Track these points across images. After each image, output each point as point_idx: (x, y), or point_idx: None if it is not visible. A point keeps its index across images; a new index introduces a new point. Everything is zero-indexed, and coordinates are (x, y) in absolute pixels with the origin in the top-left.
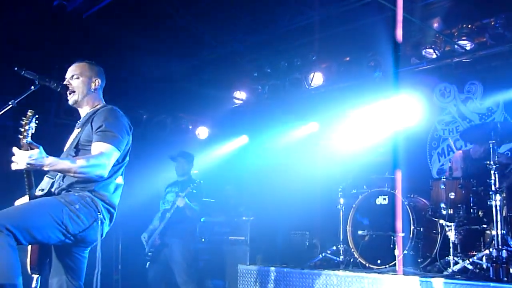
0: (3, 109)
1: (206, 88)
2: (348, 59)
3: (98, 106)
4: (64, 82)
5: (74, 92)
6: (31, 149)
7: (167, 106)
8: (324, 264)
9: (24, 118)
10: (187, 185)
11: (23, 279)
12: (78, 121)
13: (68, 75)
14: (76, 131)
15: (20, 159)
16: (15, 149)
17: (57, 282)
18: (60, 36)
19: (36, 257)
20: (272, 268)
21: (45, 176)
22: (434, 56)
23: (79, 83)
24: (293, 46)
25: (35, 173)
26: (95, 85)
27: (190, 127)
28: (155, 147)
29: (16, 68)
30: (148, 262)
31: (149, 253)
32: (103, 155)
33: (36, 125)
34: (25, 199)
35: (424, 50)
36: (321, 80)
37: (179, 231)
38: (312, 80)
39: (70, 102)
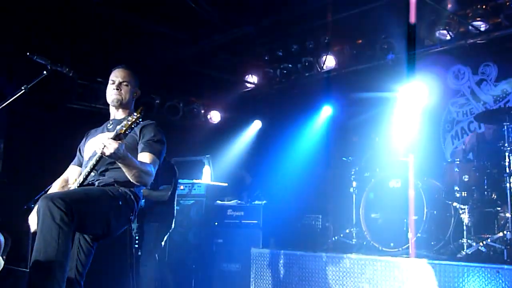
0: (16, 95)
1: (218, 72)
2: (360, 41)
3: (136, 115)
4: (113, 86)
5: (121, 96)
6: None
7: (179, 91)
8: (337, 247)
9: (135, 114)
10: None
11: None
12: (110, 121)
13: (117, 79)
14: (107, 133)
15: (111, 146)
16: (108, 135)
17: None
18: (72, 22)
19: None
20: (285, 251)
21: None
22: (448, 37)
23: (128, 91)
24: (305, 29)
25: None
26: (136, 95)
27: (203, 111)
28: (168, 132)
29: (28, 54)
30: None
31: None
32: (153, 166)
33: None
34: (57, 183)
35: (438, 31)
36: (333, 63)
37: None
38: (324, 63)
39: (113, 101)
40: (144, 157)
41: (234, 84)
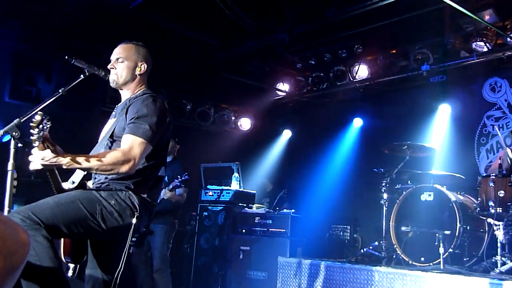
0: (53, 97)
1: (250, 79)
2: (395, 51)
3: (138, 93)
4: (109, 66)
5: (116, 74)
6: (47, 148)
7: (210, 97)
8: (365, 260)
9: (32, 123)
10: (173, 171)
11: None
12: (117, 106)
13: (113, 57)
14: (111, 121)
15: (34, 159)
16: (33, 150)
17: (90, 274)
18: (108, 26)
19: (69, 248)
20: (313, 261)
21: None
22: (485, 49)
23: (124, 68)
24: (338, 37)
25: None
26: (140, 70)
27: (233, 118)
28: (198, 138)
29: (66, 57)
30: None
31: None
32: (132, 150)
33: (50, 125)
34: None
35: (475, 43)
36: (366, 72)
37: (163, 218)
38: (357, 73)
39: (111, 83)
40: (123, 141)
41: (265, 91)
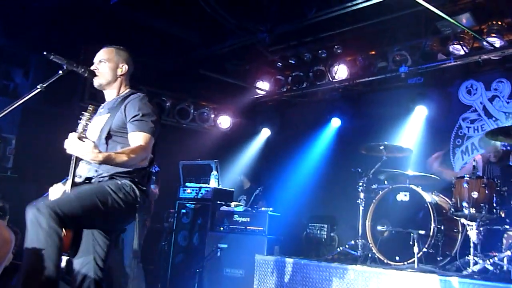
0: (32, 92)
1: (230, 78)
2: (373, 53)
3: (125, 92)
4: (92, 67)
5: (99, 76)
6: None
7: (190, 94)
8: (341, 258)
9: (85, 112)
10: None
11: None
12: (103, 105)
13: (96, 59)
14: (103, 116)
15: (75, 147)
16: (72, 135)
17: (84, 262)
18: (88, 22)
19: (69, 242)
20: (290, 260)
21: (80, 162)
22: (462, 52)
23: (106, 68)
24: (319, 38)
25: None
26: (121, 71)
27: (213, 116)
28: (177, 135)
29: (45, 53)
30: None
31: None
32: (143, 145)
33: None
34: (60, 186)
35: (452, 46)
36: (345, 73)
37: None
38: (336, 73)
39: (95, 85)
40: (133, 138)
41: (245, 90)
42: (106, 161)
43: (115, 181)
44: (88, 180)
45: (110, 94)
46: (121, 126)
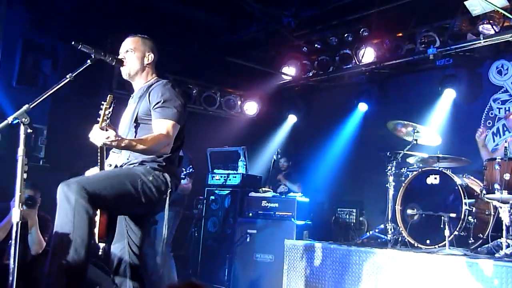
0: (62, 82)
1: (256, 64)
2: (400, 35)
3: (152, 80)
4: (119, 57)
5: (127, 66)
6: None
7: (216, 81)
8: (371, 242)
9: (104, 102)
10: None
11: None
12: (133, 94)
13: (122, 49)
14: (132, 105)
15: (98, 137)
16: (95, 127)
17: (119, 248)
18: (114, 11)
19: (104, 228)
20: (319, 244)
21: (110, 152)
22: (492, 32)
23: (133, 58)
24: (344, 21)
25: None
26: (148, 60)
27: (239, 102)
28: (204, 122)
29: (73, 43)
30: None
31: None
32: (166, 132)
33: (113, 107)
34: (96, 169)
35: (481, 25)
36: (372, 56)
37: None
38: (363, 56)
39: (124, 75)
40: (157, 125)
41: (271, 76)
42: (128, 147)
43: (145, 166)
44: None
45: (138, 83)
46: (147, 113)
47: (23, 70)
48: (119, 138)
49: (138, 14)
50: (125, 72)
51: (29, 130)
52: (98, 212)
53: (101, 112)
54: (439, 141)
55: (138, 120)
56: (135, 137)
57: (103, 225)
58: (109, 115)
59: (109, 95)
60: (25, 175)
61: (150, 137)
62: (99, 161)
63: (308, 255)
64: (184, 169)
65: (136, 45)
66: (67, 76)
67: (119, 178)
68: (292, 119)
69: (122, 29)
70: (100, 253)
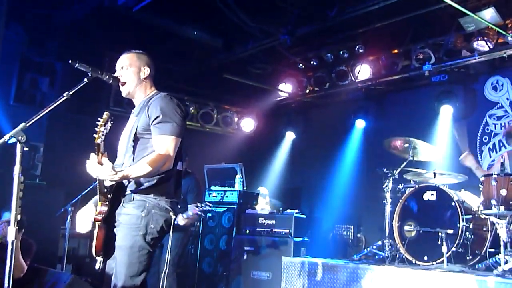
0: (58, 101)
1: (252, 81)
2: (396, 51)
3: (151, 93)
4: (115, 74)
5: (125, 83)
6: (102, 153)
7: (213, 98)
8: (369, 259)
9: (100, 119)
10: (188, 186)
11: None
12: (133, 110)
13: (118, 66)
14: (132, 119)
15: (95, 171)
16: (92, 157)
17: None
18: (111, 29)
19: (101, 243)
20: (316, 261)
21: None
22: (486, 48)
23: (129, 74)
24: (340, 38)
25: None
26: (144, 74)
27: (236, 119)
28: (201, 139)
29: (70, 61)
30: None
31: None
32: (166, 150)
33: (111, 125)
34: (88, 208)
35: (476, 42)
36: (368, 72)
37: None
38: (358, 73)
39: (124, 94)
40: (157, 142)
41: (268, 92)
42: (125, 178)
43: (143, 208)
44: (118, 186)
45: (138, 98)
46: (146, 129)
47: (21, 88)
48: (114, 172)
49: (135, 33)
50: (125, 91)
51: (25, 148)
52: (96, 226)
53: (97, 129)
54: (437, 157)
55: (137, 135)
56: (133, 152)
57: (100, 239)
58: (105, 132)
59: (105, 112)
60: (21, 194)
61: (148, 161)
62: (98, 191)
63: (306, 272)
64: (199, 204)
65: (131, 60)
66: (64, 94)
67: (133, 257)
68: (290, 136)
69: (119, 47)
70: (97, 267)
